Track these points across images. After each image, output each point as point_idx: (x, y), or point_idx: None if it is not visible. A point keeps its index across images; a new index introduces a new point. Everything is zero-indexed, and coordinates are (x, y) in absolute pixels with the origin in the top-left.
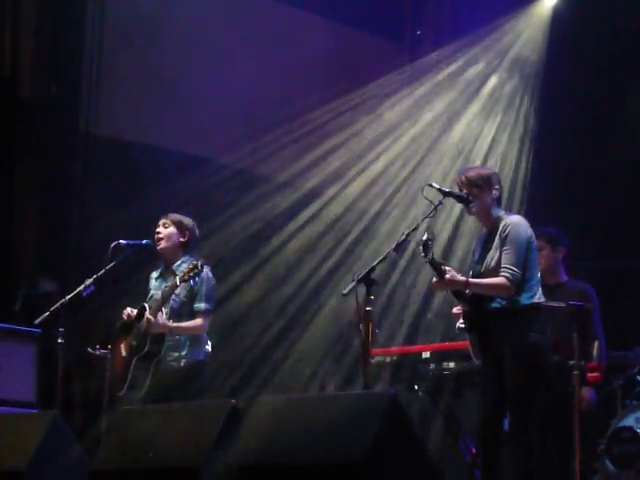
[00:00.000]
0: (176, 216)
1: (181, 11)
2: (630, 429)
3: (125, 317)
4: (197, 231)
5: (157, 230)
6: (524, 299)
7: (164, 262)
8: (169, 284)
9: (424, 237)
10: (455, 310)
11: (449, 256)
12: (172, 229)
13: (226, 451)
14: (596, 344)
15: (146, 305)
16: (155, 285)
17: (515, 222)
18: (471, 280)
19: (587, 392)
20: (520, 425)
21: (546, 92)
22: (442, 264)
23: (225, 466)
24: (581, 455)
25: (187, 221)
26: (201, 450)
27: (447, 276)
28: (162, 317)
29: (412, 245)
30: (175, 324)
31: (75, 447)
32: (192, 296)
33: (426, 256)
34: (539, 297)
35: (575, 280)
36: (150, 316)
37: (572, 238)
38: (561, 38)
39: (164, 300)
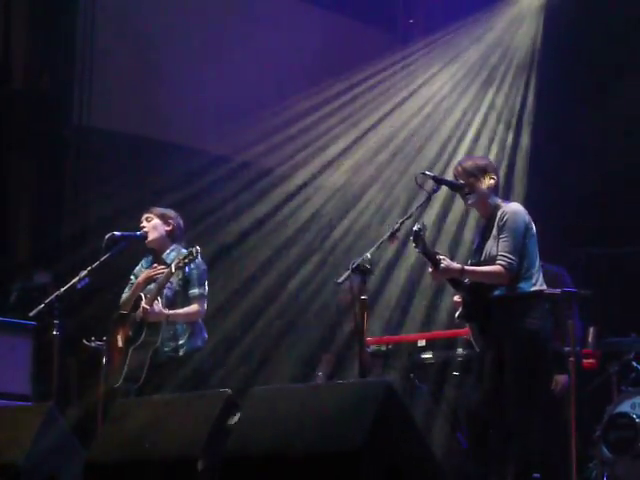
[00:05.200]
0: (158, 209)
1: (176, 1)
2: (626, 415)
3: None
4: (181, 221)
5: (142, 225)
6: (525, 286)
7: (153, 253)
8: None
9: (414, 227)
10: (455, 298)
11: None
12: (156, 220)
13: (222, 442)
14: (591, 331)
15: (142, 294)
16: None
17: (512, 210)
18: (466, 267)
19: (562, 377)
20: (519, 414)
21: (540, 79)
22: (436, 253)
23: (222, 456)
24: (577, 441)
25: (170, 212)
26: (197, 441)
27: (442, 265)
28: (158, 305)
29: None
30: (172, 311)
31: (71, 439)
32: (185, 283)
33: (417, 246)
34: (540, 284)
35: (550, 264)
36: (146, 305)
37: (568, 224)
38: (555, 26)
39: (160, 288)
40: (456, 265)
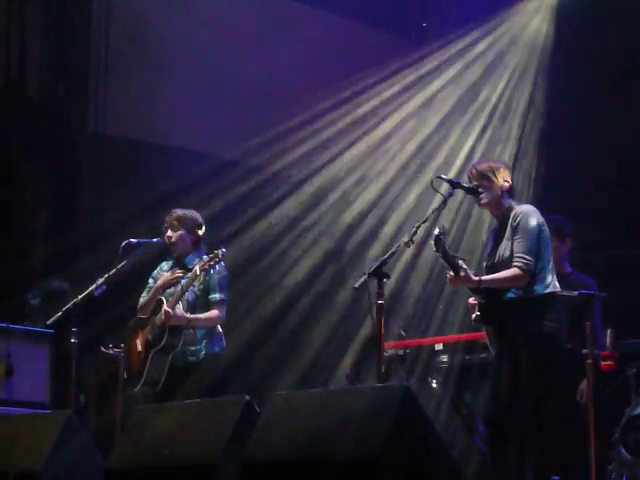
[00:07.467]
0: (182, 214)
1: (190, 8)
2: None
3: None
4: (202, 222)
5: (167, 234)
6: (539, 288)
7: (175, 257)
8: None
9: (435, 231)
10: (471, 301)
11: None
12: (182, 232)
13: (241, 447)
14: (609, 332)
15: (162, 298)
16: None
17: (525, 211)
18: (484, 279)
19: (584, 386)
20: (536, 417)
21: (555, 77)
22: (456, 257)
23: (241, 462)
24: (596, 444)
25: (195, 219)
26: (217, 447)
27: (461, 274)
28: (180, 309)
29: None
30: (193, 315)
31: (90, 446)
32: (206, 287)
33: (437, 251)
34: (554, 286)
35: (578, 272)
36: (168, 308)
37: (587, 225)
38: (570, 21)
39: (184, 291)
40: (474, 277)
